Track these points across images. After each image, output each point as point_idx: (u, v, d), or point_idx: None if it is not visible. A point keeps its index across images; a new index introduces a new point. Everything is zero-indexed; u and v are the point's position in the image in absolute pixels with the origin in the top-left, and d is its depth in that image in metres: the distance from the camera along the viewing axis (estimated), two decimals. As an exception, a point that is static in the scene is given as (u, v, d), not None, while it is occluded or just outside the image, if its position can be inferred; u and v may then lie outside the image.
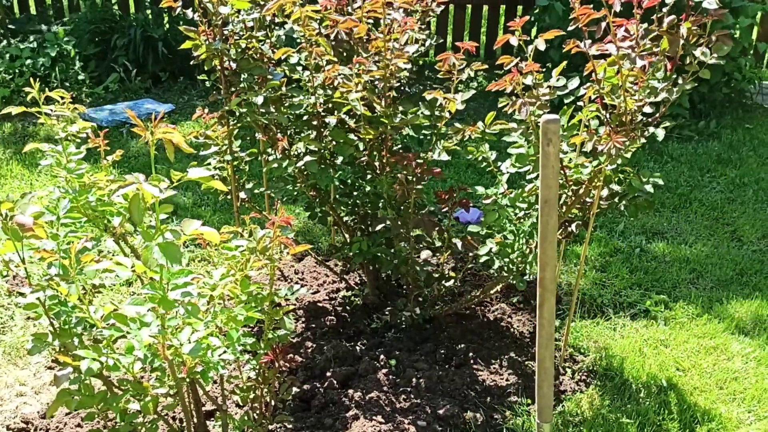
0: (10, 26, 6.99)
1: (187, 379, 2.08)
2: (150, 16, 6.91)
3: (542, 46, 2.40)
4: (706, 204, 4.42)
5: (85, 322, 1.86)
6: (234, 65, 2.78)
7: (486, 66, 2.79)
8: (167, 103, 6.14)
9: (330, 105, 2.75)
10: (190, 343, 1.74)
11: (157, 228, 1.55)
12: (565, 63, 2.57)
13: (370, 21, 2.73)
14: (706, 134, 5.51)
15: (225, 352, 1.99)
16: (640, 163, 5.00)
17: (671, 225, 4.16)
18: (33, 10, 7.65)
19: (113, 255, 1.98)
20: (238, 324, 2.01)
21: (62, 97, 2.09)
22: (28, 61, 6.24)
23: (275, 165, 2.75)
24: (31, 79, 2.14)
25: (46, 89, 2.08)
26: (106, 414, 2.06)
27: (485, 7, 7.41)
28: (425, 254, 3.30)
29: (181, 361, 1.92)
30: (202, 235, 1.60)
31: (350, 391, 2.71)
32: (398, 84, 2.72)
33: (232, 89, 2.79)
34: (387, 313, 3.13)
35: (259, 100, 2.68)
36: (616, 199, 2.71)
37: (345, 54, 2.84)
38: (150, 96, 6.35)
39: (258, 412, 2.41)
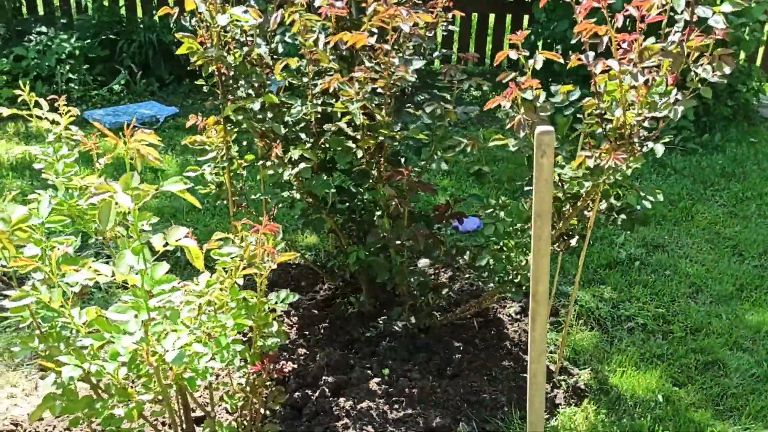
0: (17, 27, 7.02)
1: (174, 386, 2.07)
2: (157, 19, 6.93)
3: (539, 65, 2.39)
4: (708, 218, 4.39)
5: (70, 327, 1.85)
6: (232, 71, 2.77)
7: (489, 84, 2.80)
8: (171, 106, 6.14)
9: (328, 111, 2.74)
10: (174, 350, 1.73)
11: (135, 233, 1.53)
12: (570, 86, 2.56)
13: (375, 31, 2.70)
14: (710, 147, 5.47)
15: (212, 359, 1.98)
16: (643, 175, 4.97)
17: (672, 238, 4.13)
18: (41, 11, 7.68)
19: (95, 260, 1.96)
20: (226, 331, 1.99)
21: (54, 100, 2.08)
22: (34, 62, 6.26)
23: (271, 171, 2.74)
24: (21, 82, 2.12)
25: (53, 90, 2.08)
26: (91, 420, 2.04)
27: (491, 16, 7.42)
28: (423, 263, 3.28)
29: (168, 367, 1.91)
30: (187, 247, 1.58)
31: (342, 400, 2.69)
32: (401, 93, 2.70)
33: (230, 96, 2.78)
34: (381, 321, 3.11)
35: (256, 106, 2.67)
36: (614, 213, 2.69)
37: (347, 61, 2.82)
38: (155, 99, 6.36)
39: (247, 419, 2.39)
